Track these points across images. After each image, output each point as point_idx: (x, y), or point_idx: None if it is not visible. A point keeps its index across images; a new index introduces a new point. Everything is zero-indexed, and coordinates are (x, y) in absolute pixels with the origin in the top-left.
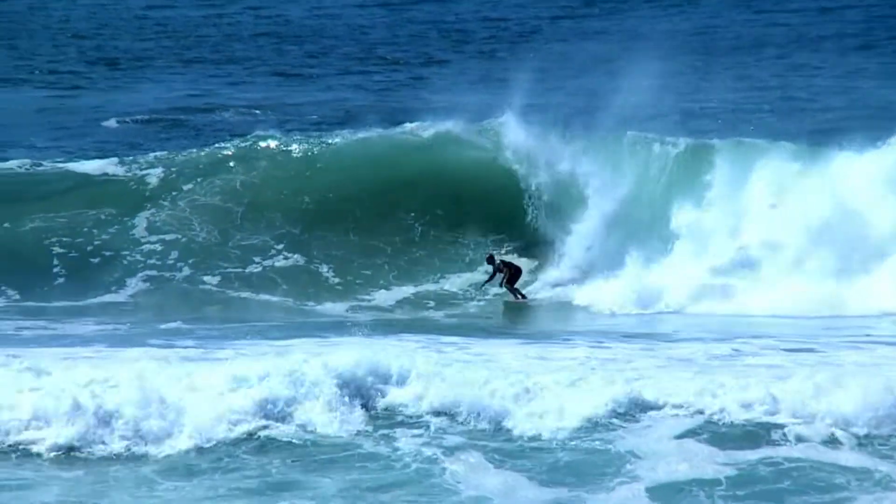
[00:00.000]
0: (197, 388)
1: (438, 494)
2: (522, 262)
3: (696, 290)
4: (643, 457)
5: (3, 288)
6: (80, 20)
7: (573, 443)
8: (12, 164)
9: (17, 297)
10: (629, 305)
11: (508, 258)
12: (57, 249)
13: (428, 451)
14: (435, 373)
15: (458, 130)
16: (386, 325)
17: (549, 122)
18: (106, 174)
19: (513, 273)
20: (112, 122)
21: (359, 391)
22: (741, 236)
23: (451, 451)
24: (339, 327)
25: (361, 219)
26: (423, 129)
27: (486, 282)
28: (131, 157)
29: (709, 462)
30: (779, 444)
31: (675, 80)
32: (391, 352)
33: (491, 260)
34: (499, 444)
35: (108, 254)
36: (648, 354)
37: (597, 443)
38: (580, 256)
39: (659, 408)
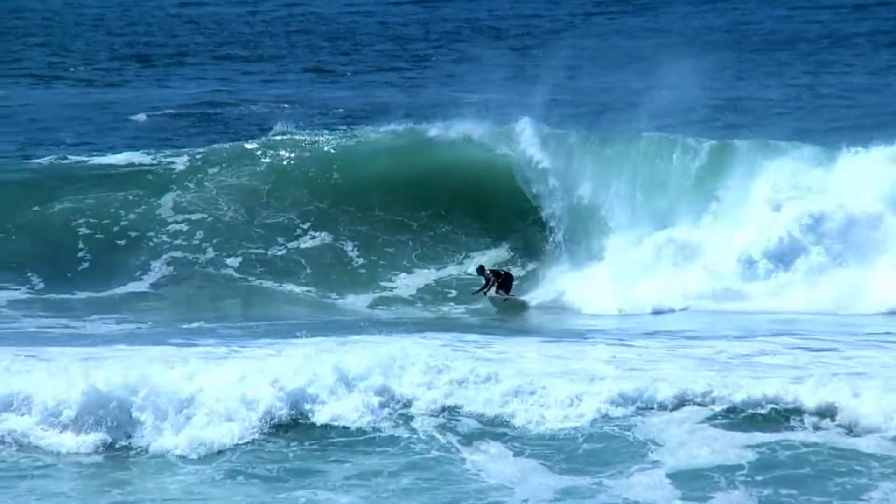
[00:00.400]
0: (219, 381)
1: (459, 482)
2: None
3: (712, 291)
4: (663, 444)
5: (28, 274)
6: (114, 18)
7: (592, 432)
8: (42, 160)
9: (42, 285)
10: (645, 306)
11: (497, 268)
12: (83, 231)
13: (445, 440)
14: (453, 368)
15: (477, 133)
16: (408, 325)
17: (572, 121)
18: (132, 163)
19: (504, 280)
20: (141, 117)
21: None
22: (755, 238)
23: (468, 440)
24: (361, 327)
25: (385, 205)
26: (446, 129)
27: (479, 290)
28: (157, 150)
29: (730, 447)
30: (798, 430)
31: (707, 77)
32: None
33: (482, 271)
34: (516, 433)
35: (133, 234)
36: (670, 351)
37: (615, 429)
38: (597, 256)
39: (679, 399)
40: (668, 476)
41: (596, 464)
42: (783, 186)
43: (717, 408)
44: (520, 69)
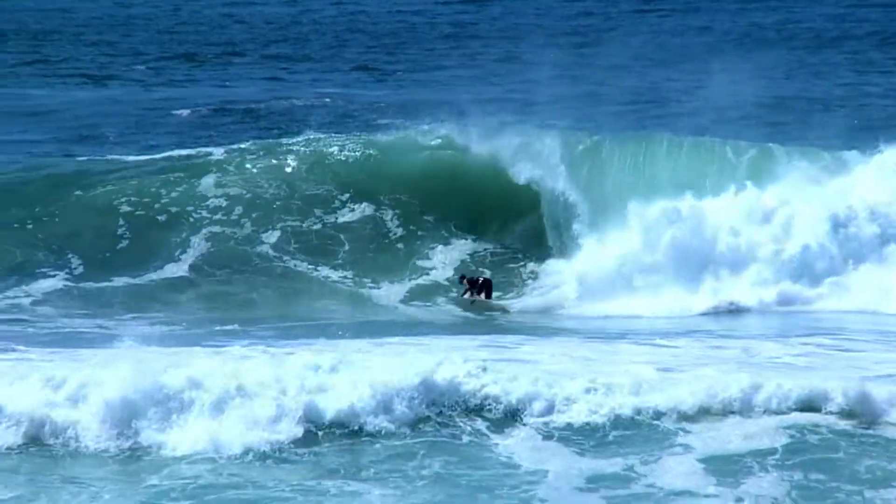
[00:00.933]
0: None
1: (495, 467)
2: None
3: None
4: (694, 431)
5: (67, 256)
6: (164, 17)
7: (622, 420)
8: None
9: (81, 269)
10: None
11: (476, 275)
12: (124, 208)
13: (481, 427)
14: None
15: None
16: (442, 328)
17: (614, 119)
18: (171, 157)
19: (482, 286)
20: (184, 112)
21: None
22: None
23: (500, 427)
24: (396, 327)
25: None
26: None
27: (462, 295)
28: (197, 146)
29: (763, 432)
30: (832, 414)
31: (754, 75)
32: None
33: (462, 279)
34: (546, 419)
35: (174, 210)
36: (702, 351)
37: (643, 417)
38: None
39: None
40: (700, 461)
41: (628, 448)
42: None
43: (750, 397)
44: (567, 67)
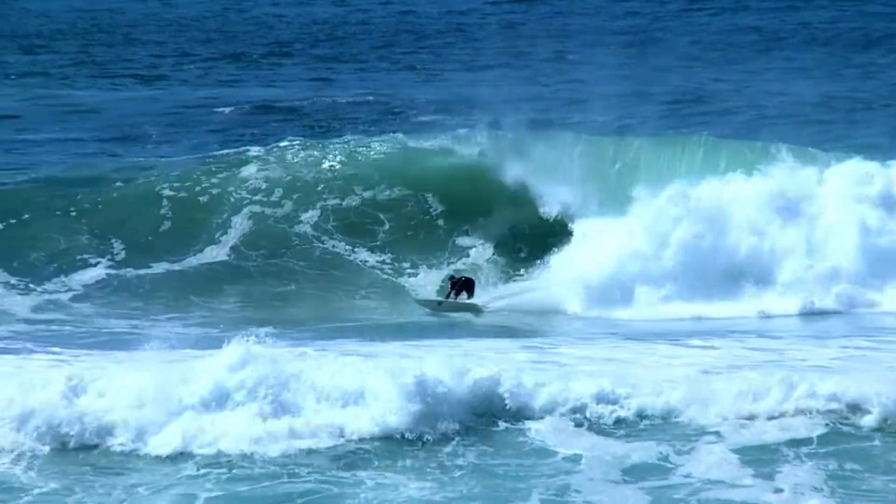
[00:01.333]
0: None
1: (530, 457)
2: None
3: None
4: (727, 422)
5: (110, 241)
6: (213, 18)
7: (654, 414)
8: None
9: (123, 254)
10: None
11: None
12: (167, 192)
13: (516, 416)
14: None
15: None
16: (479, 331)
17: (655, 119)
18: (213, 155)
19: (466, 286)
20: (226, 110)
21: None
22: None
23: (535, 418)
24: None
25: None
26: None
27: (447, 296)
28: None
29: (798, 424)
30: (869, 403)
31: (798, 75)
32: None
33: (451, 280)
34: (580, 415)
35: (215, 192)
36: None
37: (676, 407)
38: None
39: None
40: (734, 451)
41: (661, 436)
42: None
43: (787, 392)
44: (614, 67)
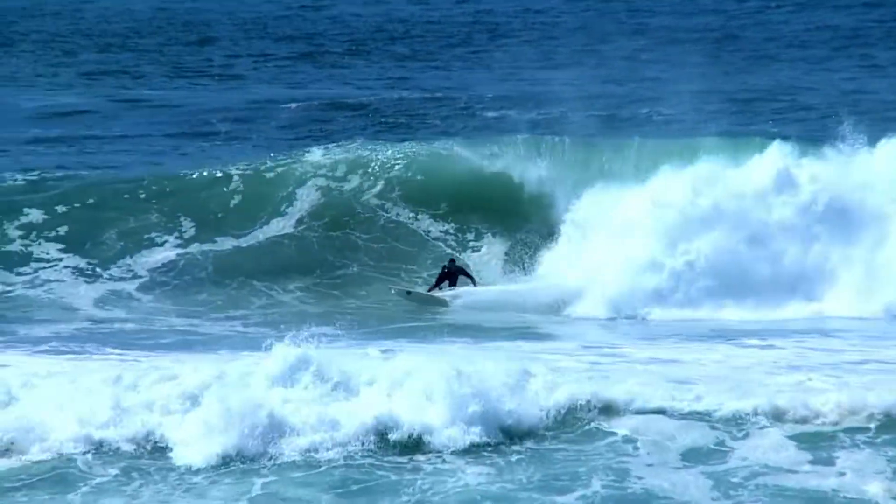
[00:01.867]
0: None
1: (585, 438)
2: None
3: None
4: (789, 409)
5: (180, 218)
6: (293, 17)
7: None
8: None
9: (192, 231)
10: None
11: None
12: (235, 172)
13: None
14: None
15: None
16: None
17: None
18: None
19: (449, 277)
20: (292, 106)
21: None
22: None
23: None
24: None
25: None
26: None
27: (436, 286)
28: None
29: (857, 411)
30: None
31: (875, 74)
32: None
33: (452, 263)
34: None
35: (280, 170)
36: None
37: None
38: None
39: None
40: (789, 438)
41: (718, 422)
42: None
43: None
44: (692, 66)
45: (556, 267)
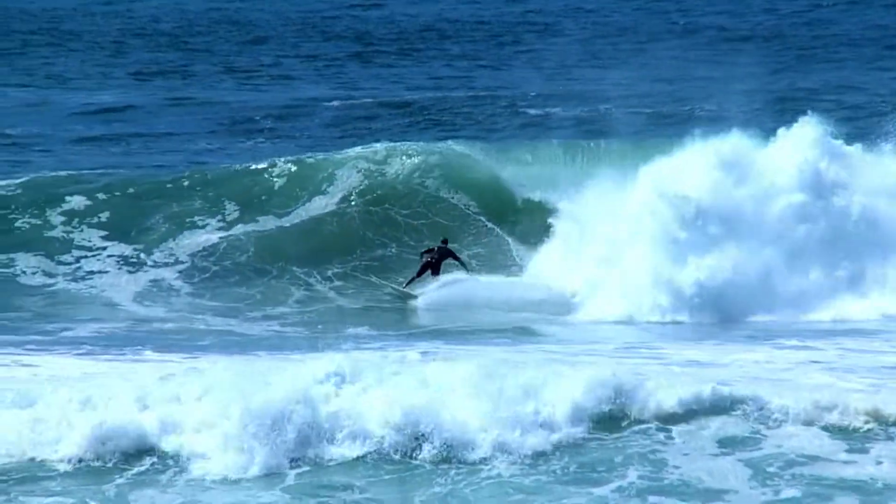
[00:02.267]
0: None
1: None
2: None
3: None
4: (824, 403)
5: (223, 202)
6: (343, 17)
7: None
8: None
9: (236, 213)
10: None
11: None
12: (280, 162)
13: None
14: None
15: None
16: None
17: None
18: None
19: (432, 266)
20: (334, 103)
21: None
22: None
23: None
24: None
25: None
26: None
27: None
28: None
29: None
30: None
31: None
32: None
33: (445, 243)
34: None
35: (320, 156)
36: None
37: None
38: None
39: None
40: (822, 429)
41: (749, 415)
42: None
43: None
44: (741, 66)
45: (553, 266)
